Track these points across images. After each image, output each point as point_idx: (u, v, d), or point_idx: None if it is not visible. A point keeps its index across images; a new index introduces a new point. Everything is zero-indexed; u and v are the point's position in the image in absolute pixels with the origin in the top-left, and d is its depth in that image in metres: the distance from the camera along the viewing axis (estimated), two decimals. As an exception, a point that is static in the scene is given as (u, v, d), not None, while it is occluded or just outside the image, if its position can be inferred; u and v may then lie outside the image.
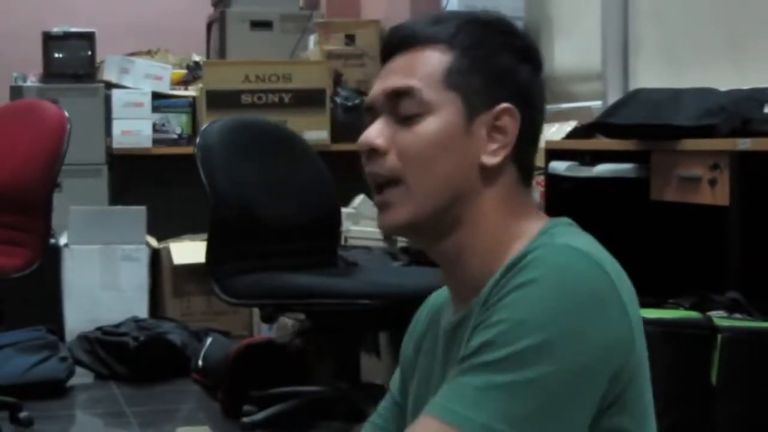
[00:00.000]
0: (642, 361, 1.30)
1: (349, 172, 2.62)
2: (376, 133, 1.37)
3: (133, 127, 5.65)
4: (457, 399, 1.22)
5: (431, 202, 1.35)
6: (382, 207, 1.37)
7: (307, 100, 5.46)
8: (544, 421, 1.21)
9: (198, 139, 3.77)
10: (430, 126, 1.35)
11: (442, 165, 1.34)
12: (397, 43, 1.39)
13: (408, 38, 1.39)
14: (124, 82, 5.77)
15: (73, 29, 5.76)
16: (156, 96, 5.72)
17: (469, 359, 1.24)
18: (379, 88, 1.38)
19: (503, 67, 1.38)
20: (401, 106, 1.36)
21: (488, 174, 1.36)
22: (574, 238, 1.32)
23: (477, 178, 1.36)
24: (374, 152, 1.36)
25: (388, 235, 1.38)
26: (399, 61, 1.38)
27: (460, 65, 1.36)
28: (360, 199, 4.94)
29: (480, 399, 1.21)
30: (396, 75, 1.37)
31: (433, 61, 1.36)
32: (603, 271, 1.27)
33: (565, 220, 1.39)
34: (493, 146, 1.36)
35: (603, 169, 3.36)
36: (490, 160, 1.36)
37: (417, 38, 1.38)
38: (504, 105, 1.36)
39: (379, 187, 1.37)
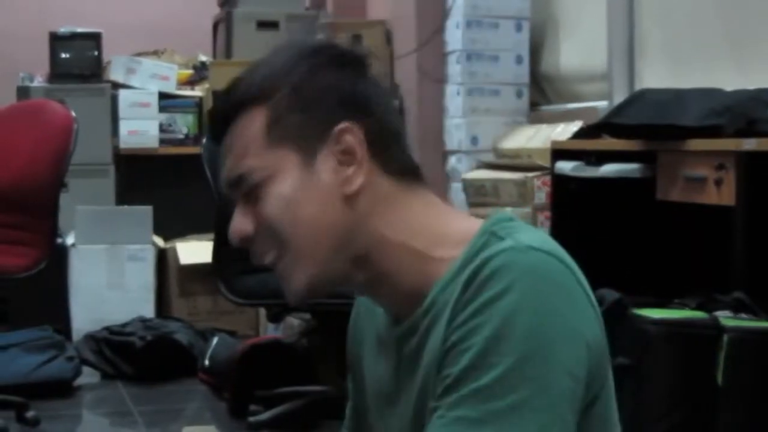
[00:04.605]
0: (607, 348, 1.28)
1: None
2: (238, 222, 1.32)
3: (140, 127, 5.66)
4: None
5: (320, 257, 1.29)
6: (282, 281, 1.32)
7: (313, 100, 5.45)
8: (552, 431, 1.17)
9: (204, 139, 3.78)
10: (276, 189, 1.28)
11: (306, 218, 1.28)
12: (218, 125, 1.34)
13: (225, 117, 1.33)
14: (131, 83, 5.78)
15: (80, 30, 5.77)
16: (162, 96, 5.74)
17: (456, 389, 1.18)
18: (222, 180, 1.34)
19: (320, 88, 1.30)
20: (244, 187, 1.30)
21: (359, 199, 1.29)
22: (529, 236, 1.25)
23: (350, 210, 1.28)
24: (246, 240, 1.32)
25: (301, 302, 1.31)
26: (226, 142, 1.32)
27: (276, 115, 1.29)
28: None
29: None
30: (228, 161, 1.32)
31: (250, 128, 1.30)
32: (568, 267, 1.23)
33: (504, 214, 1.31)
34: (348, 171, 1.28)
35: (609, 169, 3.36)
36: (350, 187, 1.28)
37: (231, 112, 1.32)
38: (338, 127, 1.28)
39: (272, 266, 1.32)
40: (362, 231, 1.29)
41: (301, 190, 1.28)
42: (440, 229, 1.30)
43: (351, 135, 1.29)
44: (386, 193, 1.30)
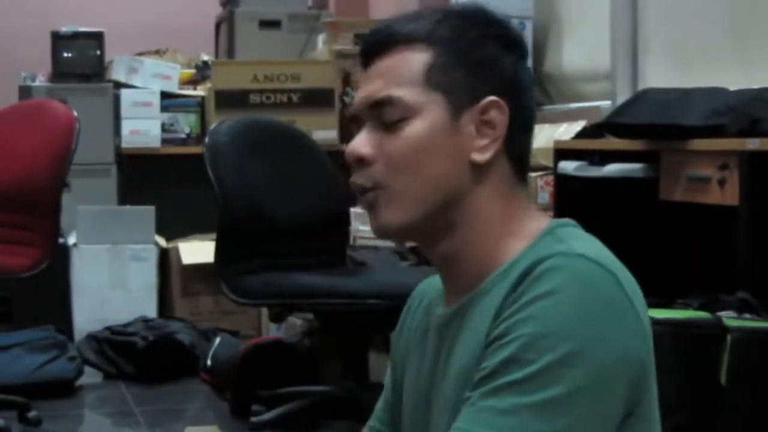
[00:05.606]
0: (653, 366, 1.28)
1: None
2: (362, 142, 1.35)
3: (142, 127, 5.65)
4: (482, 424, 1.18)
5: (423, 207, 1.32)
6: (372, 209, 1.35)
7: (316, 99, 5.47)
8: None
9: (206, 139, 3.77)
10: (415, 129, 1.32)
11: (431, 168, 1.32)
12: (375, 46, 1.37)
13: (385, 41, 1.36)
14: (133, 82, 5.78)
15: (82, 29, 5.77)
16: (164, 96, 5.73)
17: (490, 380, 1.20)
18: (361, 97, 1.36)
19: (485, 58, 1.34)
20: (384, 114, 1.33)
21: (480, 170, 1.33)
22: (583, 244, 1.28)
23: (469, 176, 1.33)
24: (361, 162, 1.34)
25: (383, 238, 1.35)
26: (378, 67, 1.36)
27: (441, 62, 1.33)
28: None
29: (507, 423, 1.17)
30: (376, 83, 1.35)
31: (412, 62, 1.33)
32: (616, 279, 1.24)
33: (567, 220, 1.35)
34: (483, 141, 1.33)
35: (612, 169, 3.35)
36: (481, 156, 1.33)
37: (394, 39, 1.35)
38: (491, 98, 1.33)
39: (363, 192, 1.35)
40: (467, 199, 1.33)
41: (437, 138, 1.32)
42: (518, 222, 1.34)
43: (499, 110, 1.33)
44: (502, 175, 1.35)
